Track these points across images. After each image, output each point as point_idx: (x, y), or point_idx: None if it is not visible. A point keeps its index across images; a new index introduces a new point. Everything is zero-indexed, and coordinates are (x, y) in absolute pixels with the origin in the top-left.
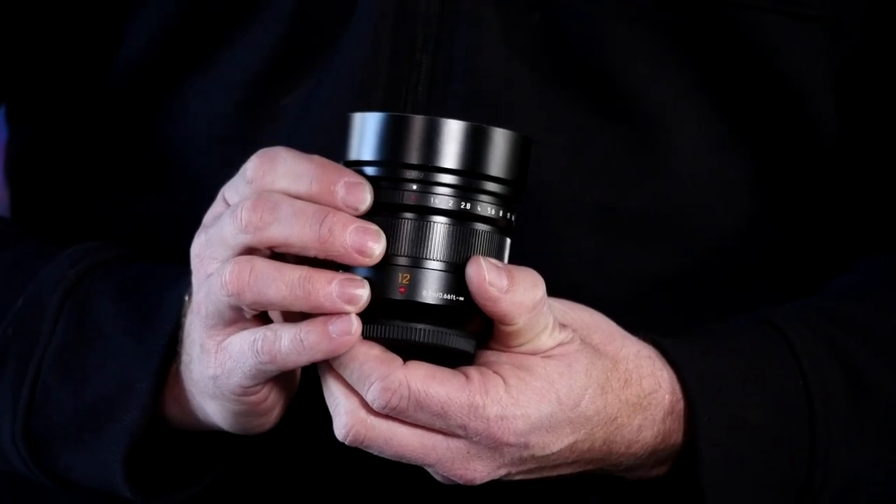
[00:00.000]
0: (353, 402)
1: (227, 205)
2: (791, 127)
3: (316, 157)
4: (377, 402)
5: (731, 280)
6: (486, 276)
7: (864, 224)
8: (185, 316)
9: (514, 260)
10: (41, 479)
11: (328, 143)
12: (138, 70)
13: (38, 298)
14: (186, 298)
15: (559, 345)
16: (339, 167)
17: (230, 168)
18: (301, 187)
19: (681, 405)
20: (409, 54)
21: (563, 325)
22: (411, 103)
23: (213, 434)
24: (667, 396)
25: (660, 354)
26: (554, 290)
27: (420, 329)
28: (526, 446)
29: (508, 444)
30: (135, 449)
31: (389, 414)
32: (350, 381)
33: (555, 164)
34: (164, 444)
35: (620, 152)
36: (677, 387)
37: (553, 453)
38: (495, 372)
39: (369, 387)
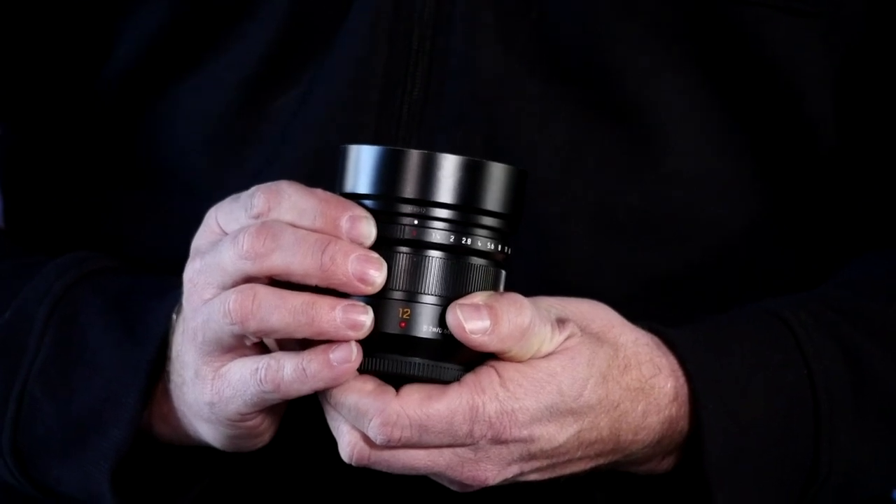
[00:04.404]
0: None
1: (221, 230)
2: (789, 124)
3: (319, 192)
4: (378, 438)
5: (732, 277)
6: (466, 326)
7: (866, 222)
8: (172, 334)
9: (513, 258)
10: (30, 490)
11: (322, 144)
12: (132, 70)
13: (24, 311)
14: (175, 316)
15: (562, 342)
16: (343, 201)
17: (223, 167)
18: (305, 221)
19: (685, 391)
20: (405, 54)
21: (562, 321)
22: (407, 103)
23: (201, 447)
24: (669, 381)
25: (661, 342)
26: (552, 288)
27: (416, 363)
28: (531, 439)
29: (514, 440)
30: (122, 462)
31: (395, 446)
32: (348, 419)
33: (553, 162)
34: (151, 455)
35: (619, 149)
36: (679, 372)
37: (560, 444)
38: (490, 366)
39: (368, 423)
